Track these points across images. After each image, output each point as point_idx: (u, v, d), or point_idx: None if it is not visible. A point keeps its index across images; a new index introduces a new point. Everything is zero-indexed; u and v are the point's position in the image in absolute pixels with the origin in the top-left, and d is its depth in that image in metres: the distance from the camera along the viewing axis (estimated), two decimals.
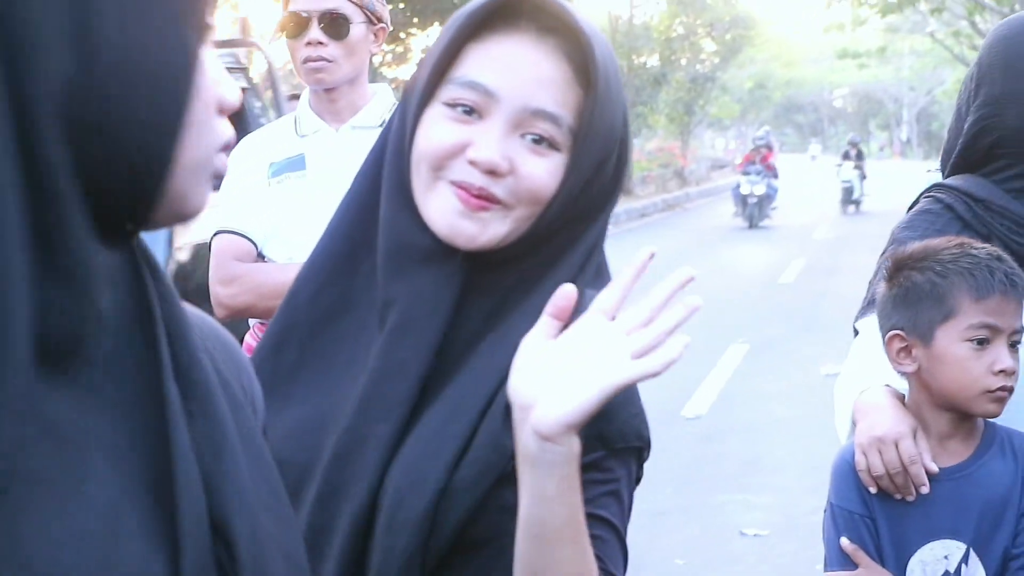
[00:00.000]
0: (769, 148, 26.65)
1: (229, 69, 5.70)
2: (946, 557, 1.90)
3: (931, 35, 36.86)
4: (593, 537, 1.21)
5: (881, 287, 2.02)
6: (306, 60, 2.84)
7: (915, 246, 1.99)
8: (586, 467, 1.22)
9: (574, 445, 1.14)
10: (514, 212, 1.29)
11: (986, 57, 2.20)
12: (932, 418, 1.94)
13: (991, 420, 1.95)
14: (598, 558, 1.22)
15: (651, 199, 31.53)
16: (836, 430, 2.14)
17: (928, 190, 2.29)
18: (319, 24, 2.83)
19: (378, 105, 2.99)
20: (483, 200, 1.28)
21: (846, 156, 29.63)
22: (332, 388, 1.34)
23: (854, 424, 2.00)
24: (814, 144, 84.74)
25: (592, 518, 1.22)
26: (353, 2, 2.86)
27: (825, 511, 1.99)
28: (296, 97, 6.24)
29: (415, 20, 21.10)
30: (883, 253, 2.24)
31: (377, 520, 1.26)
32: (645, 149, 41.02)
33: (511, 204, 1.29)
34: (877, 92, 74.80)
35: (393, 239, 1.32)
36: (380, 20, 2.93)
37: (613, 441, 1.29)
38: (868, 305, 2.19)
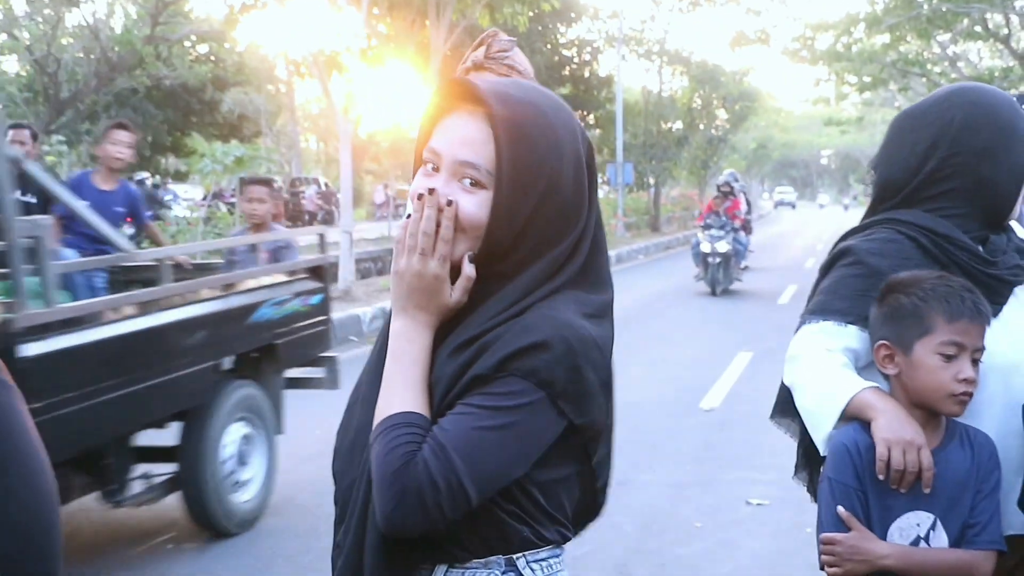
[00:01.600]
0: (735, 195, 16.98)
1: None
2: (918, 524, 1.89)
3: (898, 108, 36.43)
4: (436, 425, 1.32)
5: (873, 309, 1.98)
6: None
7: (905, 275, 1.96)
8: (473, 381, 1.32)
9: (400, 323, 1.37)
10: (468, 235, 1.37)
11: (960, 114, 2.06)
12: (908, 413, 1.93)
13: (954, 418, 1.95)
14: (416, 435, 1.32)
15: (674, 235, 31.43)
16: (803, 409, 2.00)
17: (880, 222, 2.13)
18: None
19: None
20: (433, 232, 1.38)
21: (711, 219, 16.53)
22: (355, 414, 1.49)
23: (842, 415, 1.91)
24: (822, 194, 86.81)
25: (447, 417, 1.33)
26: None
27: (820, 483, 1.96)
28: None
29: None
30: (837, 264, 2.11)
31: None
32: (670, 196, 40.85)
33: (463, 229, 1.37)
34: (855, 153, 74.13)
35: None
36: None
37: (493, 368, 1.31)
38: (822, 311, 2.05)
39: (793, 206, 79.93)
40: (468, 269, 1.37)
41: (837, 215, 57.90)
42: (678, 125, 37.37)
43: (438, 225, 1.35)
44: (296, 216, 32.51)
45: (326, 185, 37.42)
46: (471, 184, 1.36)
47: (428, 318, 1.37)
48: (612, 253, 21.72)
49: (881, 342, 1.95)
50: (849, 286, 2.06)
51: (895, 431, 1.85)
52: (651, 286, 17.68)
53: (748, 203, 19.92)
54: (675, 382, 8.97)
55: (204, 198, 20.16)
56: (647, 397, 8.18)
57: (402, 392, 1.34)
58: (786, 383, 2.09)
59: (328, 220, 31.47)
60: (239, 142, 23.70)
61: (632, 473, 6.15)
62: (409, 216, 1.39)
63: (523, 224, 1.36)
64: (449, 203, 1.35)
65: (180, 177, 34.73)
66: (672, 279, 19.16)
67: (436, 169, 1.39)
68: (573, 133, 1.40)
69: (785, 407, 2.17)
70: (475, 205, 1.36)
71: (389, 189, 38.97)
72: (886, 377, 1.98)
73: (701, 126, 38.44)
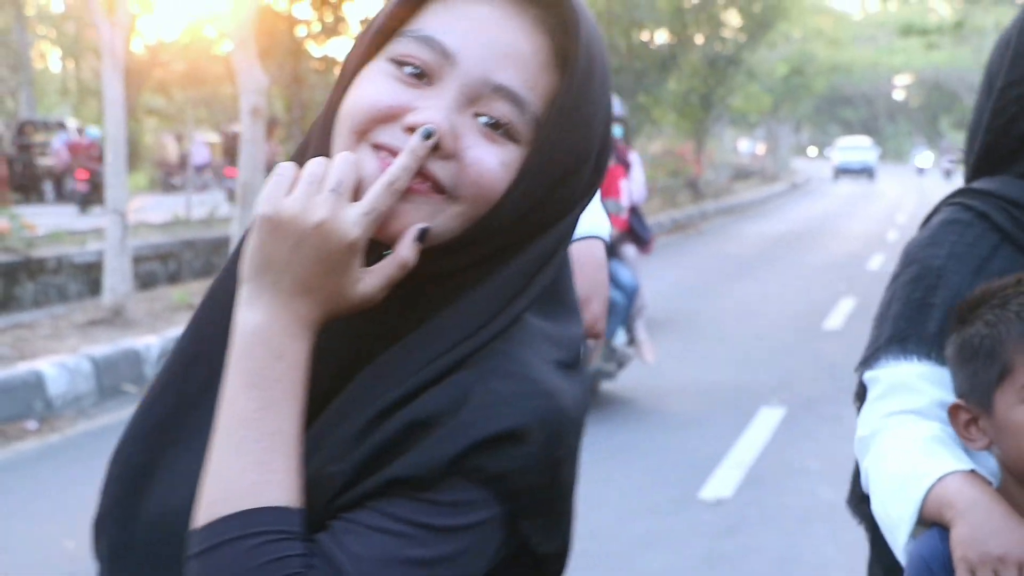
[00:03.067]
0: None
1: None
2: None
3: (1020, 6, 37.01)
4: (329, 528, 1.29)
5: (949, 342, 2.11)
6: None
7: (976, 291, 2.09)
8: (401, 483, 1.29)
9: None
10: (453, 208, 1.34)
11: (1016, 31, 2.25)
12: (1008, 506, 2.02)
13: None
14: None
15: (656, 217, 31.47)
16: (878, 514, 2.17)
17: (951, 196, 2.35)
18: None
19: None
20: (420, 178, 1.32)
21: None
22: None
23: (919, 516, 2.04)
24: (924, 152, 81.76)
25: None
26: None
27: None
28: None
29: None
30: (896, 277, 2.30)
31: None
32: (649, 152, 41.10)
33: (452, 196, 1.33)
34: (951, 80, 75.02)
35: None
36: None
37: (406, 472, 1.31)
38: (874, 353, 2.23)
39: (871, 174, 74.84)
40: (407, 250, 1.31)
41: (936, 185, 58.29)
42: (662, 37, 37.65)
43: (435, 187, 1.32)
44: (30, 184, 32.06)
45: (79, 132, 37.01)
46: (492, 127, 1.33)
47: (313, 312, 1.31)
48: None
49: (955, 403, 2.07)
50: (901, 299, 2.24)
51: (979, 544, 1.95)
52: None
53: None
54: (663, 459, 9.02)
55: None
56: (614, 485, 8.23)
57: (263, 461, 1.27)
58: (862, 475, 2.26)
59: (90, 192, 31.15)
60: None
61: None
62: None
63: (538, 200, 1.37)
64: (429, 136, 1.29)
65: None
66: (652, 288, 19.33)
67: (425, 78, 1.34)
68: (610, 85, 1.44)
69: (860, 487, 2.34)
70: (500, 164, 1.34)
71: (185, 141, 38.66)
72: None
73: (699, 38, 38.75)
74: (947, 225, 2.26)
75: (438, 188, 1.32)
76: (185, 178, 33.03)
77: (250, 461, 1.27)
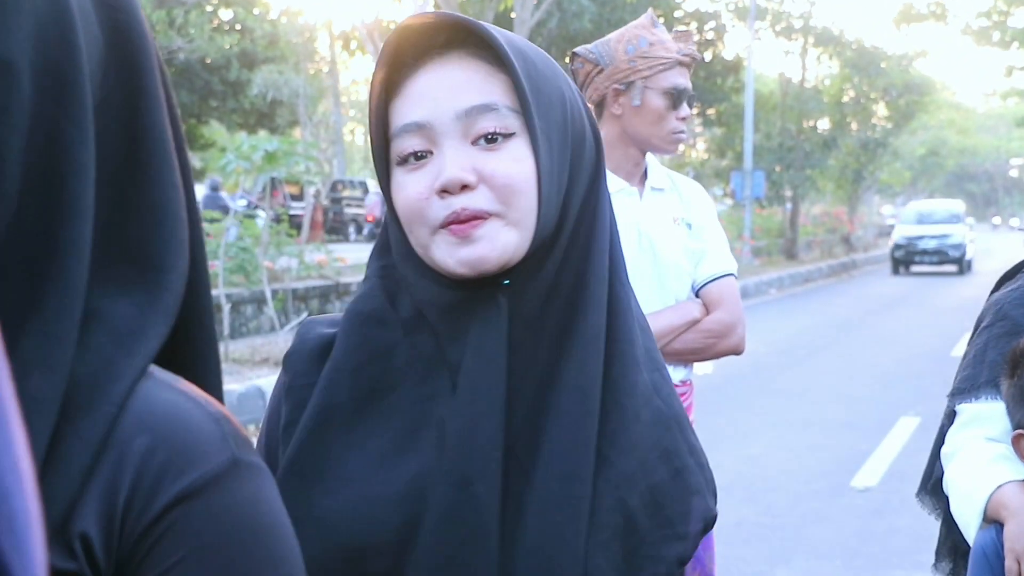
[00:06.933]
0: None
1: None
2: None
3: None
4: None
5: (1004, 384, 2.09)
6: (677, 132, 3.10)
7: None
8: None
9: None
10: (510, 215, 1.25)
11: None
12: None
13: None
14: None
15: (815, 264, 31.05)
16: (955, 514, 2.19)
17: None
18: (687, 102, 3.11)
19: (657, 168, 3.23)
20: (473, 220, 1.24)
21: None
22: (397, 463, 1.28)
23: (984, 514, 2.08)
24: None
25: None
26: None
27: None
28: None
29: None
30: (984, 325, 2.27)
31: None
32: (812, 214, 40.55)
33: (502, 211, 1.24)
34: None
35: (429, 304, 1.30)
36: None
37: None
38: (971, 388, 2.22)
39: (959, 263, 32.57)
40: None
41: None
42: (824, 124, 37.18)
43: (482, 216, 1.24)
44: (339, 228, 32.97)
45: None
46: (488, 141, 1.25)
47: None
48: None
49: (1019, 431, 2.06)
50: (997, 349, 2.20)
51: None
52: (785, 328, 17.57)
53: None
54: (820, 453, 8.92)
55: (248, 205, 20.40)
56: (785, 471, 8.18)
57: None
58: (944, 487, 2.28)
59: None
60: (270, 133, 24.12)
61: (766, 567, 6.15)
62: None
63: (567, 194, 1.29)
64: (464, 187, 1.23)
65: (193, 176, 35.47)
66: (813, 319, 19.00)
67: (427, 153, 1.26)
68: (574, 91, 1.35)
69: (935, 484, 2.38)
70: (514, 160, 1.25)
71: None
72: None
73: (854, 125, 38.19)
74: None
75: (485, 214, 1.23)
76: None
77: None
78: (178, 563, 0.84)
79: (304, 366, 1.34)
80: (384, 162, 1.30)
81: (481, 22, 1.27)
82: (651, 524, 1.27)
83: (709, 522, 1.33)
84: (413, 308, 1.31)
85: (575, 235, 1.29)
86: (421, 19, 1.28)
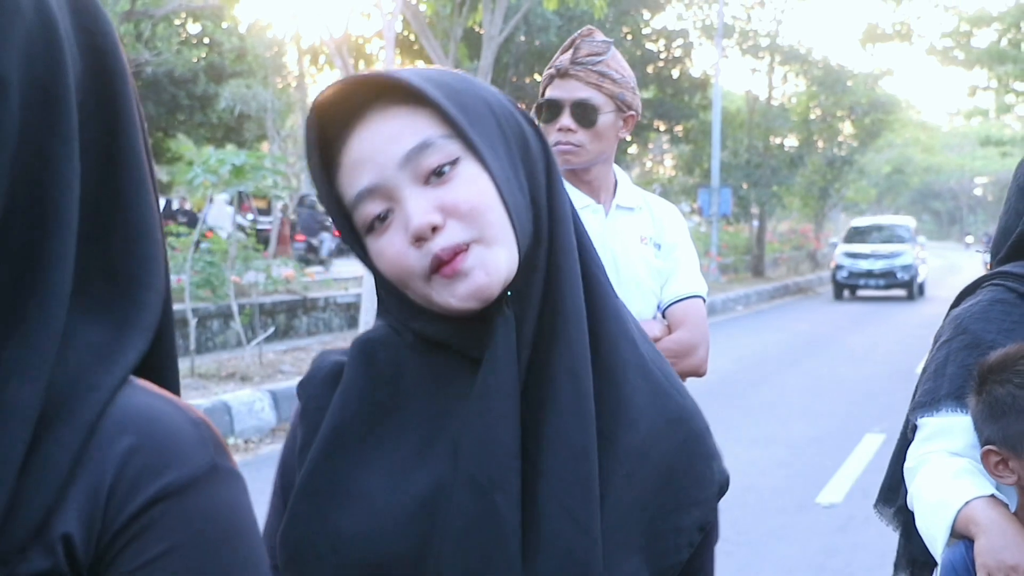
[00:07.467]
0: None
1: None
2: None
3: None
4: None
5: (971, 401, 2.09)
6: (556, 143, 3.03)
7: (994, 356, 2.06)
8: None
9: None
10: (487, 235, 1.26)
11: None
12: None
13: None
14: None
15: (782, 280, 31.16)
16: (921, 529, 2.17)
17: (990, 277, 2.31)
18: (570, 112, 3.02)
19: (629, 187, 3.20)
20: (456, 256, 1.25)
21: None
22: (411, 477, 1.29)
23: (952, 531, 2.07)
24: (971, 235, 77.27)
25: None
26: (604, 93, 3.02)
27: None
28: None
29: None
30: (944, 339, 2.29)
31: None
32: (778, 231, 40.77)
33: (478, 235, 1.25)
34: None
35: (442, 332, 1.31)
36: (630, 108, 3.08)
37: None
38: (931, 402, 2.22)
39: (908, 287, 29.61)
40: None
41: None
42: (791, 141, 37.42)
43: (463, 248, 1.26)
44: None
45: None
46: (437, 176, 1.26)
47: None
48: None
49: (987, 448, 2.05)
50: (957, 362, 2.21)
51: (996, 554, 1.97)
52: (752, 344, 17.65)
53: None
54: (786, 469, 8.96)
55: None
56: (751, 488, 8.17)
57: None
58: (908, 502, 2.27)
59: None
60: (237, 147, 24.05)
61: None
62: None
63: (531, 190, 1.31)
64: (434, 229, 1.24)
65: (160, 190, 35.33)
66: (779, 336, 19.07)
67: (388, 212, 1.27)
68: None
69: (889, 495, 2.40)
70: (468, 182, 1.26)
71: None
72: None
73: (820, 143, 38.43)
74: (995, 304, 2.25)
75: (464, 246, 1.24)
76: None
77: None
78: (153, 560, 0.86)
79: (317, 390, 1.37)
80: (352, 233, 1.31)
81: (381, 70, 1.30)
82: (665, 495, 1.28)
83: (724, 484, 1.34)
84: (419, 335, 1.33)
85: (551, 222, 1.30)
86: (330, 92, 1.29)
